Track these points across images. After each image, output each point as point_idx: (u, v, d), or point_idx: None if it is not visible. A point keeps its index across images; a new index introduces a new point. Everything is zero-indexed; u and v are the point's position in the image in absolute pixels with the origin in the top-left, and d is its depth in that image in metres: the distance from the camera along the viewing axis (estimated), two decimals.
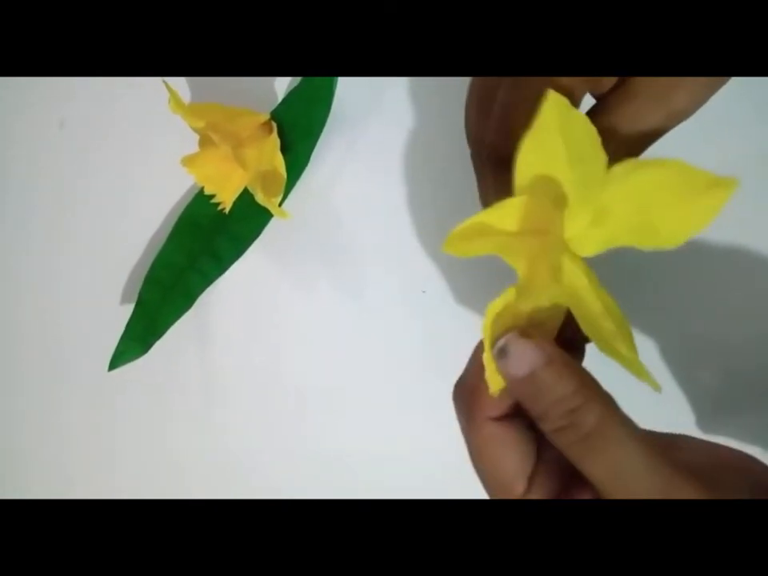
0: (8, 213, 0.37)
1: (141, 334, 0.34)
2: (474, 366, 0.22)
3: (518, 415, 0.21)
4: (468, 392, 0.22)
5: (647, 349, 0.32)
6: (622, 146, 0.22)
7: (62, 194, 0.36)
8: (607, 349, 0.20)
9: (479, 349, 0.22)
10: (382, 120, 0.34)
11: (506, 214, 0.20)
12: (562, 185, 0.20)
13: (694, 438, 0.22)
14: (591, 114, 0.23)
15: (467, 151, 0.33)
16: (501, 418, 0.21)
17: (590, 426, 0.19)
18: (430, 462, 0.34)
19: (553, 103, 0.19)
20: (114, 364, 0.34)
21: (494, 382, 0.21)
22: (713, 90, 0.22)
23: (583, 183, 0.19)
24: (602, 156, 0.19)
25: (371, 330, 0.34)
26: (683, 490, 0.18)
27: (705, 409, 0.32)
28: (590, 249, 0.20)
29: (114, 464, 0.36)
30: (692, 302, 0.32)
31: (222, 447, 0.35)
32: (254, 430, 0.35)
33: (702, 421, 0.32)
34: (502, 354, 0.20)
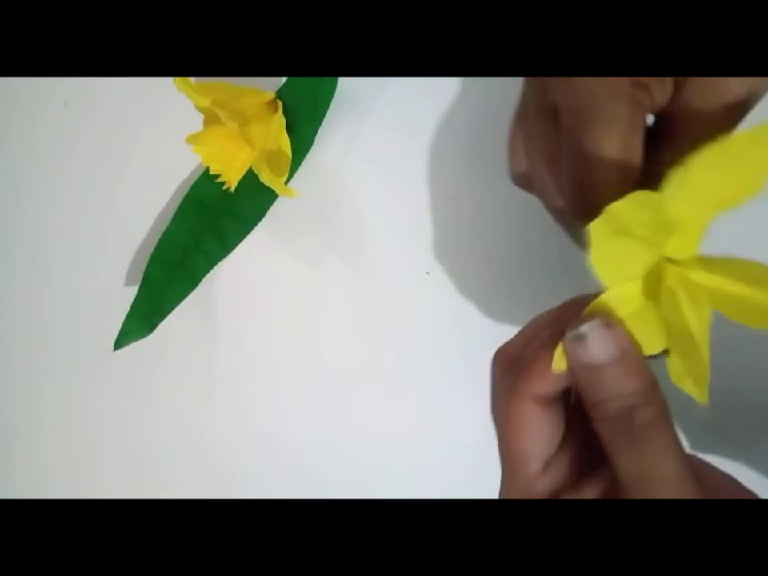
0: (12, 192, 0.37)
1: (146, 313, 0.34)
2: (529, 340, 0.22)
3: (557, 400, 0.21)
4: (517, 365, 0.21)
5: None
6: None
7: (66, 173, 0.36)
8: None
9: (537, 322, 0.22)
10: (387, 100, 0.34)
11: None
12: (640, 252, 0.20)
13: (712, 467, 0.22)
14: (658, 129, 0.23)
15: (473, 132, 0.33)
16: (542, 399, 0.21)
17: (642, 423, 0.19)
18: (436, 439, 0.34)
19: (599, 229, 0.19)
20: (119, 343, 0.34)
21: (561, 360, 0.20)
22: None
23: (657, 233, 0.20)
24: (659, 203, 0.19)
25: (375, 311, 0.34)
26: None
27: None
28: (689, 250, 0.20)
29: (120, 442, 0.37)
30: None
31: (226, 425, 0.36)
32: (258, 409, 0.35)
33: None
34: (577, 339, 0.19)
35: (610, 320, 0.20)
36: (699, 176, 0.19)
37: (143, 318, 0.34)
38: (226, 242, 0.34)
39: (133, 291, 0.34)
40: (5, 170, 0.37)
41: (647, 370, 0.20)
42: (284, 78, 0.34)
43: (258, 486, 0.35)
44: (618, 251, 0.20)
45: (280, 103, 0.31)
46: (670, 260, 0.21)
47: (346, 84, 0.33)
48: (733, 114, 0.22)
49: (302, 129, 0.32)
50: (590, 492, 0.21)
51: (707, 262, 0.21)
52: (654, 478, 0.19)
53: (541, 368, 0.21)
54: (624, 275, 0.20)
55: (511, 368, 0.22)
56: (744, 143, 0.19)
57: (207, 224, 0.34)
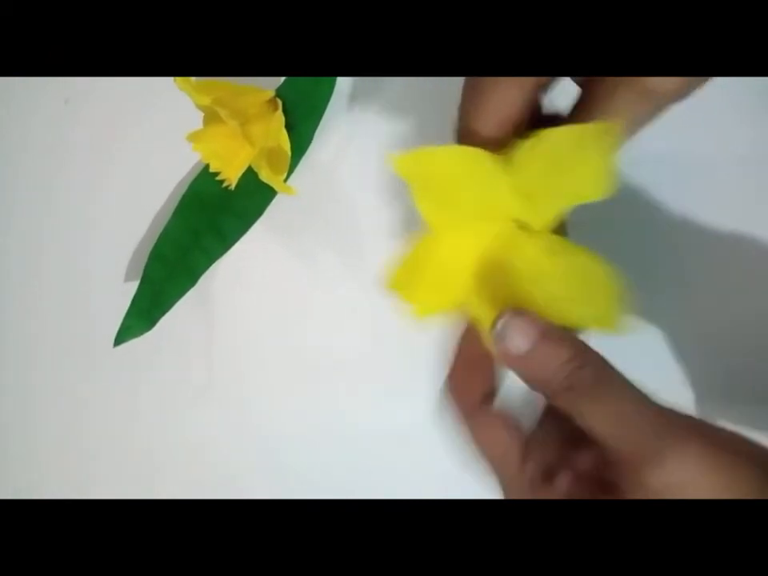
0: (12, 188, 0.37)
1: (146, 309, 0.34)
2: (457, 359, 0.24)
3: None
4: (455, 384, 0.24)
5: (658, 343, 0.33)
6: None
7: (66, 170, 0.36)
8: (573, 318, 0.21)
9: (461, 342, 0.24)
10: (386, 98, 0.34)
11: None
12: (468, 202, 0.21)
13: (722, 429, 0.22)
14: (579, 106, 0.23)
15: None
16: (486, 399, 0.23)
17: (589, 382, 0.20)
18: (435, 438, 0.34)
19: (405, 162, 0.20)
20: (119, 339, 0.34)
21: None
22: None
23: (490, 193, 0.21)
24: (490, 163, 0.20)
25: (374, 307, 0.35)
26: (678, 434, 0.19)
27: (708, 402, 0.33)
28: (537, 222, 0.21)
29: (119, 437, 0.37)
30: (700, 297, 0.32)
31: (225, 421, 0.36)
32: (257, 405, 0.36)
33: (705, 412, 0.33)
34: (500, 338, 0.21)
35: (517, 309, 0.21)
36: (540, 153, 0.20)
37: (143, 314, 0.34)
38: (225, 239, 0.35)
39: (133, 288, 0.35)
40: (5, 166, 0.37)
41: (571, 338, 0.21)
42: (283, 77, 0.34)
43: (254, 483, 0.36)
44: (441, 195, 0.21)
45: (279, 102, 0.32)
46: (520, 224, 0.22)
47: (344, 82, 0.33)
48: (645, 104, 0.22)
49: (302, 127, 0.33)
50: (582, 460, 0.22)
51: (553, 243, 0.21)
52: (623, 422, 0.19)
53: (469, 376, 0.23)
54: (447, 220, 0.21)
55: (455, 390, 0.24)
56: (590, 133, 0.19)
57: (206, 221, 0.35)
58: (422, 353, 0.34)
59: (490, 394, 0.23)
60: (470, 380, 0.24)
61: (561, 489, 0.22)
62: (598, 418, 0.20)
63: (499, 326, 0.21)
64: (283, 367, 0.35)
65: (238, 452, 0.36)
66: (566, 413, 0.21)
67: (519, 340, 0.21)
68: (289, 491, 0.35)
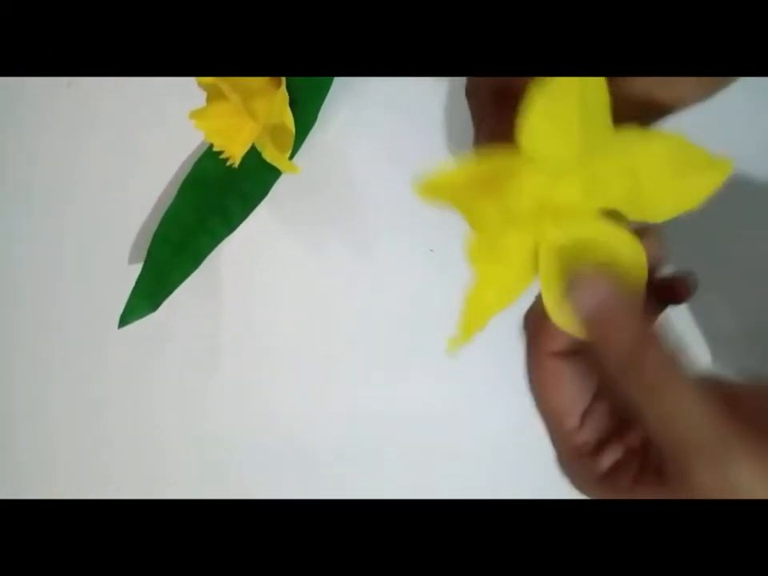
0: (16, 171, 0.37)
1: (150, 290, 0.34)
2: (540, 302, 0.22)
3: (579, 353, 0.21)
4: (533, 324, 0.22)
5: None
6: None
7: (69, 153, 0.36)
8: None
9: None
10: (389, 78, 0.34)
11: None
12: (565, 150, 0.19)
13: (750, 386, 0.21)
14: None
15: None
16: (561, 354, 0.21)
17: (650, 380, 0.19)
18: (439, 416, 0.34)
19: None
20: (123, 320, 0.34)
21: (557, 315, 0.20)
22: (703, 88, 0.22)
23: (586, 149, 0.19)
24: (609, 123, 0.19)
25: (379, 288, 0.34)
26: (733, 442, 0.18)
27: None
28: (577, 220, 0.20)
29: (122, 418, 0.37)
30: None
31: (230, 402, 0.36)
32: (261, 387, 0.36)
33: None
34: (572, 286, 0.20)
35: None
36: (648, 149, 0.19)
37: (147, 295, 0.34)
38: (229, 220, 0.34)
39: (137, 269, 0.34)
40: (8, 151, 0.37)
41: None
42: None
43: (260, 467, 0.36)
44: (558, 114, 0.19)
45: (283, 78, 0.31)
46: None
47: None
48: (641, 107, 0.21)
49: (305, 105, 0.32)
50: (633, 437, 0.21)
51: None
52: (678, 427, 0.18)
53: (551, 324, 0.21)
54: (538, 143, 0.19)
55: (531, 330, 0.22)
56: (700, 160, 0.19)
57: (211, 202, 0.34)
58: (430, 334, 0.34)
59: (568, 351, 0.22)
60: (550, 327, 0.21)
61: (605, 465, 0.21)
62: (652, 414, 0.19)
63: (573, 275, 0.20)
64: (290, 347, 0.35)
65: (243, 432, 0.36)
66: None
67: (592, 292, 0.19)
68: (295, 472, 0.35)
